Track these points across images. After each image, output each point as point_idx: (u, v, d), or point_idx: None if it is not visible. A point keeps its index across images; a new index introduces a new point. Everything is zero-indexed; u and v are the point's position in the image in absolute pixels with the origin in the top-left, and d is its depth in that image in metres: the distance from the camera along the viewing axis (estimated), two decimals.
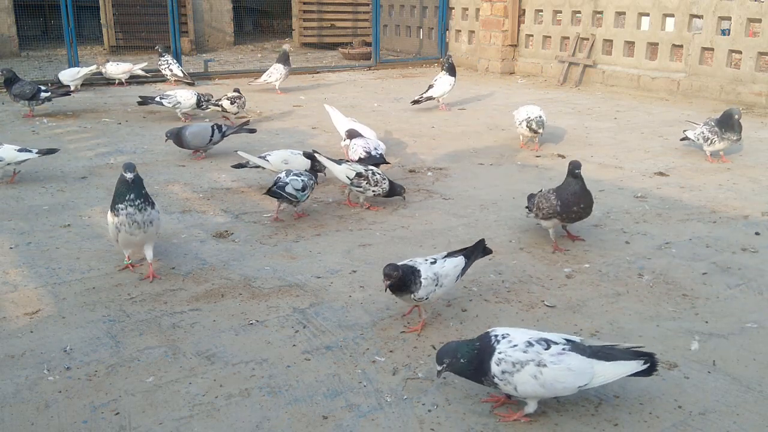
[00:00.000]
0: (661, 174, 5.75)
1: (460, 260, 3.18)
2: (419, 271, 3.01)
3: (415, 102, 8.44)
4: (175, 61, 10.10)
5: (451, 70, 8.32)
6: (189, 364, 2.85)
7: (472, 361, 2.44)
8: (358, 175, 4.60)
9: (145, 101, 7.69)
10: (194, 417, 2.52)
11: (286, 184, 4.37)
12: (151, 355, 2.93)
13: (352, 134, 5.52)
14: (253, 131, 6.43)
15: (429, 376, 2.78)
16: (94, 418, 2.51)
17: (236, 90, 7.67)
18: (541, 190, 4.20)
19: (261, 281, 3.65)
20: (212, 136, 6.04)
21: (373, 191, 4.65)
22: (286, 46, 9.51)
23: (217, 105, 7.59)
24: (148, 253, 3.67)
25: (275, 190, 4.34)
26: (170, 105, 7.61)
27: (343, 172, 4.63)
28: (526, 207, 4.32)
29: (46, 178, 5.50)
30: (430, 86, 8.45)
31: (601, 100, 9.33)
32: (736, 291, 3.58)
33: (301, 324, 3.20)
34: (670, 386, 2.72)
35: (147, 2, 13.54)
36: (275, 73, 9.42)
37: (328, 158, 4.79)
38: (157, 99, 7.62)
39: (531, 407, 2.49)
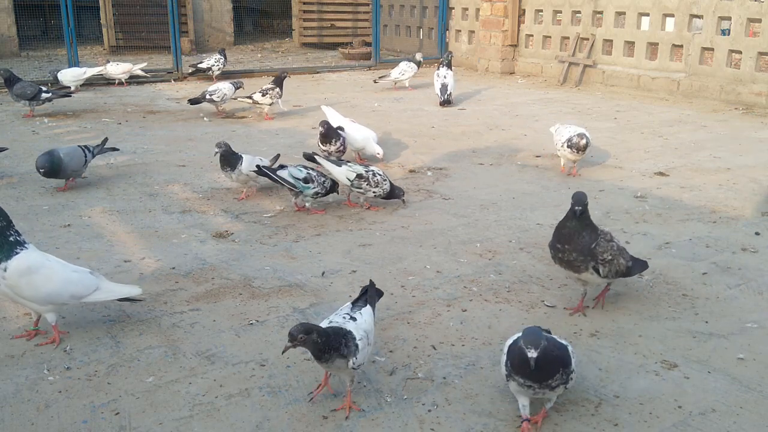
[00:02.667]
0: (661, 174, 5.75)
1: (369, 309, 2.68)
2: (350, 332, 2.46)
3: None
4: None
5: (449, 66, 8.89)
6: (189, 364, 2.85)
7: None
8: (359, 176, 4.59)
9: (197, 101, 7.83)
10: (194, 417, 2.52)
11: (285, 169, 4.51)
12: (151, 355, 2.93)
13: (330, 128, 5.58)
14: (115, 149, 5.70)
15: (429, 376, 2.78)
16: (94, 418, 2.51)
17: (279, 75, 7.85)
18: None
19: (261, 281, 3.65)
20: (85, 157, 5.18)
21: (374, 192, 4.64)
22: (418, 55, 10.31)
23: (249, 98, 7.75)
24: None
25: (264, 170, 4.54)
26: (219, 99, 7.81)
27: (343, 174, 4.62)
28: None
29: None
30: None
31: (601, 100, 9.33)
32: (736, 291, 3.58)
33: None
34: (670, 386, 2.72)
35: (147, 2, 13.54)
36: (409, 71, 9.77)
37: (328, 160, 4.79)
38: (207, 96, 7.78)
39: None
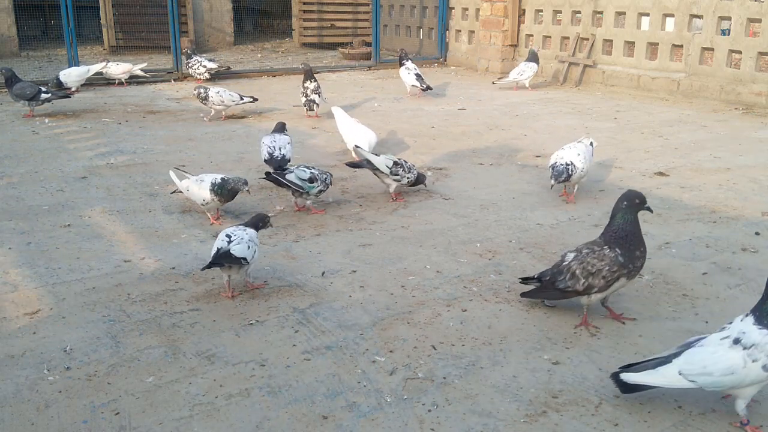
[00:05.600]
0: (661, 174, 5.75)
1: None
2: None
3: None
4: (203, 57, 10.55)
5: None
6: (189, 364, 2.85)
7: None
8: (395, 163, 4.87)
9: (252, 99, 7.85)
10: (194, 417, 2.52)
11: (291, 171, 4.55)
12: (151, 355, 2.93)
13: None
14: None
15: (429, 376, 2.78)
16: (94, 418, 2.51)
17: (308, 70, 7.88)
18: (564, 256, 3.21)
19: (261, 281, 3.64)
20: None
21: (407, 178, 4.92)
22: (534, 47, 10.28)
23: (310, 101, 7.83)
24: None
25: (273, 176, 4.54)
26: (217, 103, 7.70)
27: (382, 162, 4.87)
28: (539, 284, 3.30)
29: (46, 178, 5.50)
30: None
31: (601, 100, 9.33)
32: (736, 291, 3.58)
33: (301, 324, 3.20)
34: None
35: (147, 2, 13.55)
36: (528, 71, 9.84)
37: (368, 152, 5.02)
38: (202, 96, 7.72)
39: None
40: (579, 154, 4.84)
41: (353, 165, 5.08)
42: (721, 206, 4.92)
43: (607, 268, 3.03)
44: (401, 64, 9.42)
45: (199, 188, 4.40)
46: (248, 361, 2.88)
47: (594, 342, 3.06)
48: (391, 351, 2.97)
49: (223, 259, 3.32)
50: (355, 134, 5.86)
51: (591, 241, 3.21)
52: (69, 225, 4.47)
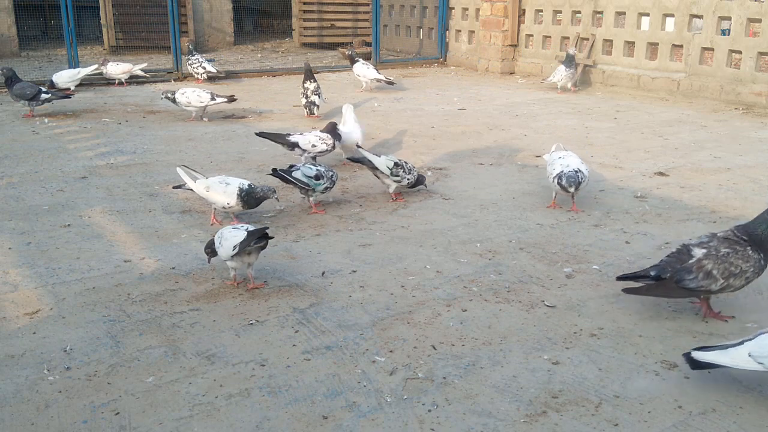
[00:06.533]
0: (661, 174, 5.75)
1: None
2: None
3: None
4: (203, 57, 10.53)
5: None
6: (189, 364, 2.85)
7: None
8: (396, 164, 4.87)
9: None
10: (194, 417, 2.52)
11: (298, 169, 4.55)
12: (151, 355, 2.93)
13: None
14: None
15: (429, 376, 2.78)
16: (94, 418, 2.51)
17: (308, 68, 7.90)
18: (689, 250, 3.06)
19: (261, 281, 3.64)
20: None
21: (407, 180, 4.91)
22: (571, 49, 10.02)
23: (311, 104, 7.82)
24: None
25: (279, 172, 4.55)
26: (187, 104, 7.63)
27: (383, 163, 4.87)
28: (651, 281, 3.16)
29: (46, 178, 5.50)
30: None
31: (601, 100, 9.33)
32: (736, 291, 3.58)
33: (301, 324, 3.20)
34: (670, 386, 2.72)
35: (147, 2, 13.55)
36: (557, 74, 9.89)
37: (370, 152, 4.99)
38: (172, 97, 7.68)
39: None
40: (581, 161, 4.74)
41: (354, 160, 5.11)
42: (721, 206, 4.92)
43: (752, 269, 2.92)
44: (353, 62, 9.91)
45: (224, 192, 4.25)
46: (248, 361, 2.88)
47: (594, 342, 3.06)
48: (391, 351, 2.97)
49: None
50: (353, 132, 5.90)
51: (722, 236, 3.03)
52: (69, 225, 4.47)
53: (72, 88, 8.95)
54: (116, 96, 9.28)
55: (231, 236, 3.43)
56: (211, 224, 4.48)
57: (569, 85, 10.00)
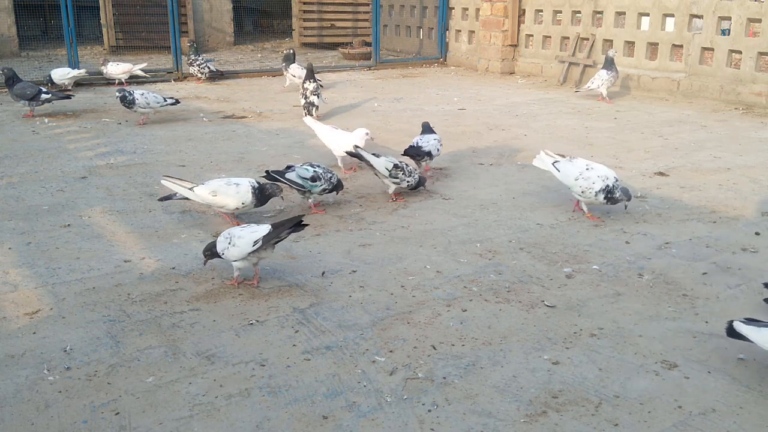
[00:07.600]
0: (661, 174, 5.75)
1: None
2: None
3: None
4: (204, 58, 10.63)
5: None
6: (189, 364, 2.85)
7: None
8: (395, 166, 4.83)
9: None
10: (194, 417, 2.52)
11: (293, 170, 4.53)
12: (151, 355, 2.93)
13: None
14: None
15: (429, 376, 2.78)
16: (94, 418, 2.51)
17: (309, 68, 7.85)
18: None
19: (261, 281, 3.64)
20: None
21: (407, 182, 4.89)
22: (611, 51, 9.48)
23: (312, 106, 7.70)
24: None
25: (272, 174, 4.50)
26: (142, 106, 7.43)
27: (382, 165, 4.84)
28: None
29: (46, 178, 5.50)
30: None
31: (601, 100, 9.33)
32: (736, 291, 3.58)
33: (301, 324, 3.20)
34: (670, 386, 2.72)
35: (147, 2, 13.55)
36: (597, 79, 9.45)
37: (368, 152, 4.95)
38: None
39: None
40: (606, 167, 4.56)
41: (353, 155, 5.03)
42: (721, 206, 4.92)
43: None
44: (291, 62, 9.68)
45: (236, 193, 4.22)
46: (248, 361, 2.88)
47: (594, 342, 3.06)
48: (391, 351, 2.97)
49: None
50: (343, 139, 5.65)
51: None
52: (69, 225, 4.47)
53: (66, 83, 8.95)
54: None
55: (247, 233, 3.44)
56: (235, 224, 4.32)
57: (604, 92, 9.13)
